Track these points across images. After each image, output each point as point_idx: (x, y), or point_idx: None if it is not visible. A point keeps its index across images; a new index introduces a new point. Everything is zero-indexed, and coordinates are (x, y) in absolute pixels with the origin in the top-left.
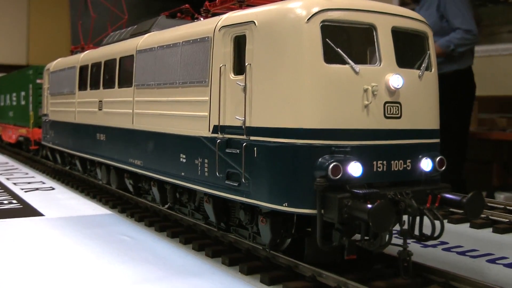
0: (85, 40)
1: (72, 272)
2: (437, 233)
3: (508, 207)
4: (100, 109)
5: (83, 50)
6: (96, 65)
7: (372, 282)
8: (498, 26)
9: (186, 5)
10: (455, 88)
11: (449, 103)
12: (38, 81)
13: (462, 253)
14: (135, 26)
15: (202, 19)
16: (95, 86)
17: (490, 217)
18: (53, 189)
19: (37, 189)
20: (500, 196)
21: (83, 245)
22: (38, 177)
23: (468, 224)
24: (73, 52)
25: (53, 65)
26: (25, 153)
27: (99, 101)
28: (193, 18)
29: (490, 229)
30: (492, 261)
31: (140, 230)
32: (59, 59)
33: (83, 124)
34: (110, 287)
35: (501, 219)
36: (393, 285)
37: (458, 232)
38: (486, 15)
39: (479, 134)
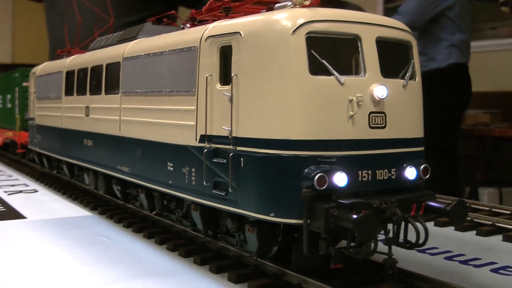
0: (71, 44)
1: (50, 272)
2: (421, 240)
3: (493, 209)
4: (87, 115)
5: (69, 54)
6: (82, 71)
7: None
8: (482, 23)
9: (173, 11)
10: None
11: (438, 101)
12: (24, 84)
13: (449, 258)
14: (122, 32)
15: (188, 25)
16: (81, 91)
17: (474, 219)
18: (36, 191)
19: (20, 191)
20: (484, 192)
21: (63, 246)
22: (22, 179)
23: (453, 227)
24: (59, 56)
25: (40, 69)
26: (11, 155)
27: (86, 107)
28: (179, 25)
29: (474, 232)
30: (479, 266)
31: (119, 231)
32: (45, 63)
33: (70, 129)
34: (87, 283)
35: (484, 221)
36: None
37: (445, 236)
38: (470, 11)
39: (463, 130)
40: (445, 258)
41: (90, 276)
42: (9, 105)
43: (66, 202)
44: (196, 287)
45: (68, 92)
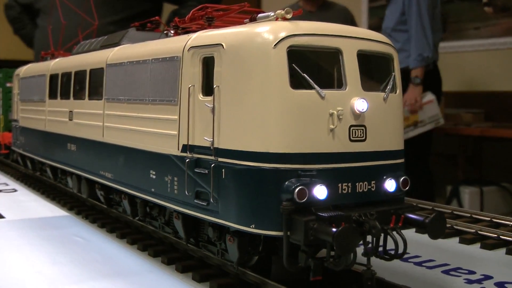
0: (55, 46)
1: (22, 271)
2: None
3: (473, 216)
4: (70, 119)
5: (53, 56)
6: (66, 75)
7: None
8: (464, 23)
9: (157, 17)
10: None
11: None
12: (8, 84)
13: (432, 267)
14: (105, 37)
15: (172, 32)
16: (65, 95)
17: (454, 227)
18: (16, 191)
19: (0, 191)
20: (465, 191)
21: (38, 245)
22: (2, 178)
23: None
24: (43, 58)
25: (23, 70)
26: None
27: (70, 111)
28: (163, 31)
29: (457, 239)
30: (461, 274)
31: (93, 231)
32: (29, 65)
33: (53, 133)
34: (57, 283)
35: (467, 229)
36: None
37: (428, 244)
38: (454, 11)
39: (444, 129)
40: (427, 267)
41: (62, 275)
42: None
43: (45, 202)
44: (162, 286)
45: (52, 95)
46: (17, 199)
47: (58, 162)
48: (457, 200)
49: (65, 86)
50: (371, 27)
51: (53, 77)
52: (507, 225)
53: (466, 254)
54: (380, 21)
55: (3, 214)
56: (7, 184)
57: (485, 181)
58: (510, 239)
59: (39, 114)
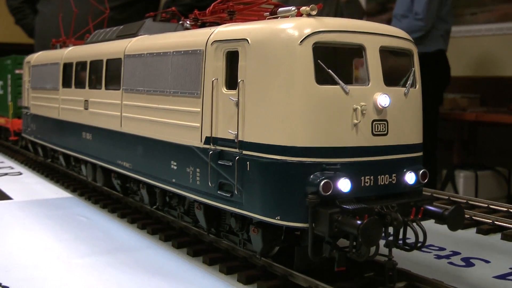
0: (66, 34)
1: (32, 247)
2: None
3: (491, 206)
4: (86, 109)
5: (64, 44)
6: (81, 64)
7: None
8: (462, 8)
9: (173, 8)
10: (425, 70)
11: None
12: (17, 71)
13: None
14: (121, 27)
15: (188, 22)
16: (80, 85)
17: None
18: (21, 174)
19: (6, 174)
20: (460, 175)
21: (45, 224)
22: (7, 162)
23: None
24: (54, 46)
25: (34, 58)
26: (3, 141)
27: (85, 100)
28: (178, 21)
29: (474, 230)
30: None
31: (96, 211)
32: (40, 53)
33: (67, 121)
34: (64, 257)
35: (484, 220)
36: None
37: (446, 234)
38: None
39: (440, 114)
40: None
41: (68, 250)
42: (1, 92)
43: (49, 185)
44: (159, 261)
45: (66, 84)
46: (23, 181)
47: (72, 150)
48: (452, 184)
49: (80, 75)
50: (369, 12)
51: (67, 66)
52: None
53: (481, 243)
54: (378, 6)
55: (11, 196)
56: (12, 168)
57: (480, 165)
58: None
59: (52, 102)
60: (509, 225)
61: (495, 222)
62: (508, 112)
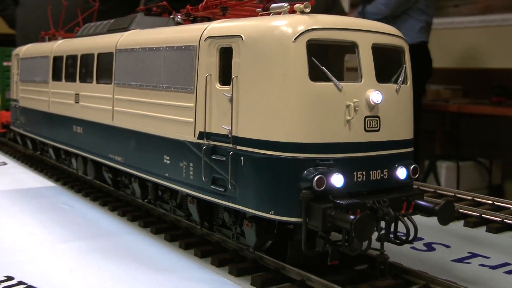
0: (56, 27)
1: (17, 233)
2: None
3: (475, 199)
4: (77, 102)
5: (54, 37)
6: (71, 58)
7: (359, 285)
8: (444, 1)
9: (164, 2)
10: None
11: None
12: (5, 63)
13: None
14: (112, 21)
15: (179, 17)
16: (70, 78)
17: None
18: (6, 164)
19: None
20: (442, 165)
21: (30, 212)
22: None
23: None
24: (43, 38)
25: (23, 51)
26: None
27: (76, 94)
28: (170, 15)
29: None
30: (470, 261)
31: (78, 200)
32: (29, 45)
33: (58, 114)
34: (48, 243)
35: (471, 213)
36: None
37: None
38: None
39: (423, 105)
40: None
41: (51, 236)
42: None
43: (33, 174)
44: (137, 246)
45: (56, 77)
46: (7, 171)
47: (62, 143)
48: (434, 174)
49: (70, 69)
50: (353, 4)
51: (57, 59)
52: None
53: (470, 237)
54: None
55: None
56: None
57: (462, 156)
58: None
59: (42, 96)
60: (474, 213)
61: (459, 210)
62: (490, 104)
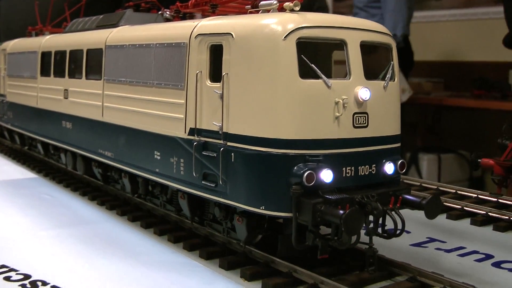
0: (43, 21)
1: (1, 221)
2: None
3: (458, 192)
4: (66, 98)
5: (41, 32)
6: (60, 53)
7: (345, 276)
8: None
9: None
10: None
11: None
12: None
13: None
14: (101, 17)
15: (168, 13)
16: (59, 74)
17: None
18: None
19: None
20: (424, 157)
21: (13, 202)
22: None
23: None
24: (29, 33)
25: (10, 46)
26: None
27: (65, 89)
28: (158, 10)
29: (444, 215)
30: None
31: (59, 190)
32: (17, 40)
33: (46, 110)
34: (30, 230)
35: (454, 206)
36: (363, 279)
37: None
38: None
39: None
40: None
41: (33, 224)
42: None
43: (16, 166)
44: (115, 232)
45: (44, 73)
46: None
47: (51, 138)
48: (416, 166)
49: (59, 64)
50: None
51: (45, 55)
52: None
53: (451, 229)
54: None
55: None
56: None
57: (443, 148)
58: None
59: (30, 91)
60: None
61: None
62: (471, 97)
